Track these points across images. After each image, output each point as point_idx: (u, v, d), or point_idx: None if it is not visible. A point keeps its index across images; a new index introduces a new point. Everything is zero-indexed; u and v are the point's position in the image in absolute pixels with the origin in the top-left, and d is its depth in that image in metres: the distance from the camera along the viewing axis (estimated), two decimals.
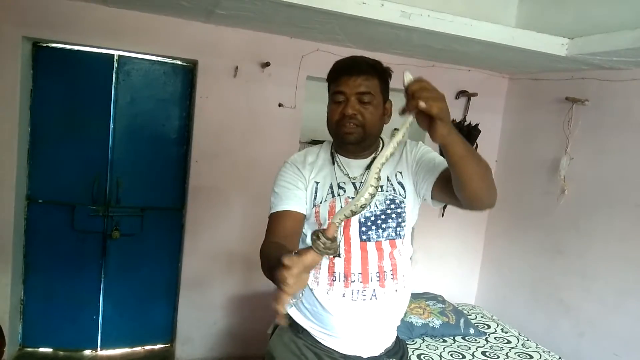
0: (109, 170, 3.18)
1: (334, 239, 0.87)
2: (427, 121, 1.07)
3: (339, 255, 1.42)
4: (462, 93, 3.59)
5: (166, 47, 3.03)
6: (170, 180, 3.32)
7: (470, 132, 3.51)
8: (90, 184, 3.15)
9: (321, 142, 1.59)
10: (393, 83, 1.48)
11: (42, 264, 3.16)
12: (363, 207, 0.97)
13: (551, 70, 3.32)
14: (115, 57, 3.10)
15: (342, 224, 1.33)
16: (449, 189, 1.35)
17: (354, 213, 0.98)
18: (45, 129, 3.06)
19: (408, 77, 1.07)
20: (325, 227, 0.91)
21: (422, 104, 1.01)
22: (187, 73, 3.24)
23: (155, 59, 3.17)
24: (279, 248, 1.17)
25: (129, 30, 2.93)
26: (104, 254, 3.24)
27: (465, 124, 3.55)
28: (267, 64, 3.13)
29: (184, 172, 3.29)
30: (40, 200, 3.11)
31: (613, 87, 2.92)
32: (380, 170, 1.00)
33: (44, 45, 2.98)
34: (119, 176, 3.19)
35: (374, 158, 1.49)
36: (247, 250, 3.29)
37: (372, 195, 0.97)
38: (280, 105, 3.27)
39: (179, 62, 3.21)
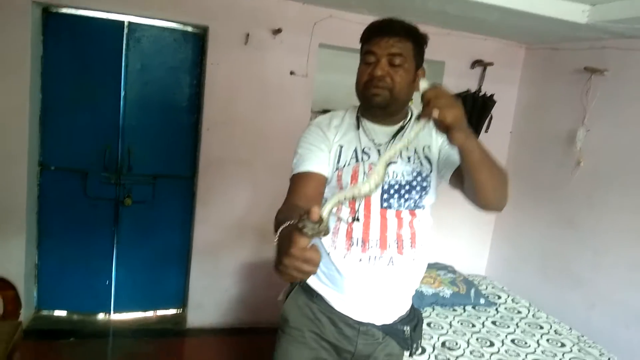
0: (120, 138, 3.18)
1: (320, 221, 0.84)
2: (444, 126, 1.08)
3: (357, 219, 1.41)
4: (477, 62, 3.51)
5: (176, 13, 2.98)
6: (182, 149, 3.32)
7: (485, 103, 3.46)
8: (102, 151, 3.15)
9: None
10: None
11: (56, 230, 3.19)
12: (365, 194, 0.95)
13: (570, 40, 3.23)
14: (126, 24, 3.06)
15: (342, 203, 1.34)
16: (461, 183, 1.35)
17: (354, 199, 0.97)
18: (57, 96, 3.05)
19: (424, 85, 1.08)
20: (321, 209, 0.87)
21: (435, 114, 1.02)
22: (198, 40, 3.19)
23: (166, 26, 3.12)
24: (286, 215, 1.11)
25: None
26: (117, 220, 3.27)
27: (480, 94, 3.49)
28: (279, 31, 3.07)
29: (195, 140, 3.28)
30: (52, 167, 3.12)
31: (634, 56, 2.84)
32: (388, 164, 1.00)
33: (54, 11, 2.94)
34: (130, 144, 3.19)
35: (402, 127, 1.46)
36: (258, 218, 3.30)
37: (377, 186, 0.95)
38: (292, 73, 3.22)
39: (189, 28, 3.16)
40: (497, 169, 1.22)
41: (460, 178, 1.36)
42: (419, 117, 1.07)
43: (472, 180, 1.21)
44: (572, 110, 3.18)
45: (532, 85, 3.65)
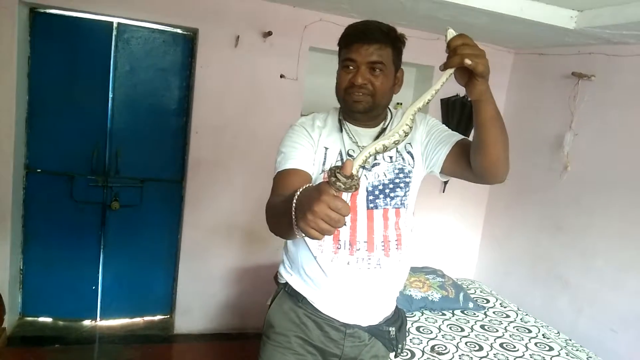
0: (108, 141, 3.15)
1: (352, 176, 0.83)
2: (467, 77, 1.09)
3: (344, 223, 1.40)
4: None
5: (166, 15, 2.96)
6: (170, 152, 3.29)
7: (473, 108, 3.46)
8: (89, 154, 3.12)
9: None
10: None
11: (42, 234, 3.15)
12: (397, 143, 0.94)
13: (558, 45, 3.26)
14: (115, 25, 3.04)
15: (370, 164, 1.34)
16: (462, 160, 1.35)
17: (386, 148, 0.94)
18: (44, 98, 3.01)
19: (451, 33, 1.07)
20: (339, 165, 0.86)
21: (467, 62, 1.02)
22: (188, 42, 3.18)
23: (155, 27, 3.10)
24: (282, 198, 1.08)
25: None
26: (104, 224, 3.23)
27: (469, 99, 3.50)
28: (269, 34, 3.06)
29: (184, 143, 3.26)
30: (38, 170, 3.08)
31: (621, 62, 2.87)
32: (416, 113, 0.99)
33: (42, 11, 2.91)
34: (118, 147, 3.16)
35: (383, 129, 1.46)
36: (247, 222, 3.28)
37: (406, 134, 0.95)
38: (282, 76, 3.21)
39: (179, 30, 3.15)
40: (504, 126, 1.22)
41: (458, 156, 1.36)
42: (445, 67, 1.05)
43: (486, 136, 1.19)
44: (560, 115, 3.20)
45: (520, 90, 3.67)
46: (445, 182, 3.63)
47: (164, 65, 3.18)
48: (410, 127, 0.96)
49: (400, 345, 1.55)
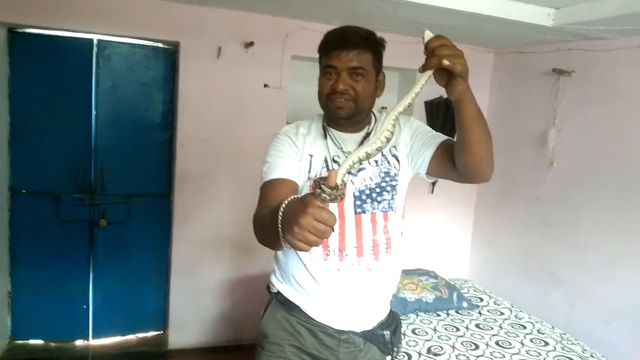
0: (93, 158, 3.12)
1: (337, 187, 0.83)
2: (446, 78, 1.09)
3: (332, 229, 1.40)
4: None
5: (147, 30, 2.95)
6: (156, 166, 3.27)
7: (454, 108, 3.49)
8: (75, 172, 3.09)
9: None
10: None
11: (29, 256, 3.10)
12: (379, 149, 0.94)
13: (537, 43, 3.30)
14: (95, 42, 3.02)
15: (355, 170, 1.33)
16: (447, 160, 1.35)
17: (369, 155, 0.94)
18: (26, 118, 2.98)
19: (428, 35, 1.07)
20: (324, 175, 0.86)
21: (445, 62, 1.02)
22: (169, 56, 3.17)
23: (136, 43, 3.09)
24: (270, 210, 1.09)
25: (107, 12, 2.85)
26: (92, 242, 3.20)
27: (451, 100, 3.52)
28: (251, 44, 3.07)
29: (170, 157, 3.24)
30: (23, 191, 3.05)
31: (599, 57, 2.92)
32: (397, 117, 0.98)
33: (20, 31, 2.89)
34: (103, 163, 3.13)
35: (367, 133, 1.47)
36: (237, 234, 3.26)
37: (388, 140, 0.95)
38: (265, 86, 3.22)
39: (160, 44, 3.14)
40: (486, 125, 1.22)
41: (443, 156, 1.37)
42: (424, 69, 1.06)
43: (469, 136, 1.19)
44: (543, 111, 3.24)
45: (502, 89, 3.71)
46: (434, 184, 3.64)
47: (147, 80, 3.16)
48: (392, 133, 0.96)
49: (395, 349, 1.54)
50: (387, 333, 1.50)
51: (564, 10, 2.63)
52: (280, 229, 0.91)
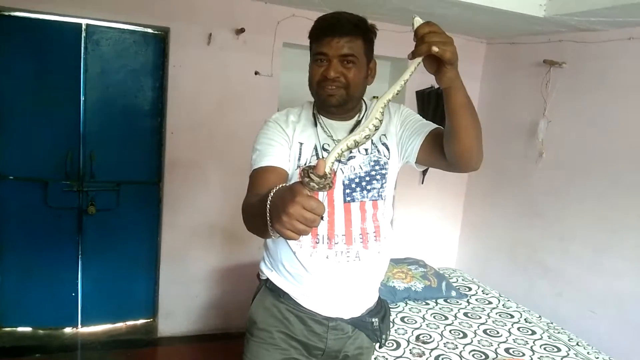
0: (81, 144, 3.09)
1: (325, 176, 0.82)
2: (435, 65, 1.08)
3: (322, 217, 1.40)
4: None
5: (136, 15, 2.91)
6: (146, 153, 3.25)
7: (443, 96, 3.49)
8: (63, 158, 3.06)
9: None
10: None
11: (17, 243, 3.08)
12: (368, 137, 0.93)
13: (528, 34, 3.31)
14: (83, 27, 2.98)
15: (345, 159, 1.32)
16: (436, 149, 1.35)
17: (357, 144, 0.93)
18: (13, 104, 2.94)
19: (418, 21, 1.06)
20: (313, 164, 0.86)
21: (435, 49, 1.01)
22: (159, 42, 3.13)
23: (125, 28, 3.05)
24: (258, 198, 1.06)
25: None
26: (80, 230, 3.17)
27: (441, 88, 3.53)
28: (242, 30, 3.04)
29: (160, 144, 3.22)
30: (11, 177, 3.01)
31: (589, 49, 2.93)
32: (385, 105, 0.97)
33: (7, 14, 2.84)
34: (92, 150, 3.11)
35: (358, 121, 1.46)
36: (227, 222, 3.25)
37: (377, 128, 0.94)
38: (256, 73, 3.19)
39: (150, 30, 3.10)
40: (476, 113, 1.22)
41: (432, 145, 1.37)
42: (413, 56, 1.04)
43: (458, 123, 1.19)
44: (533, 102, 3.25)
45: (493, 79, 3.71)
46: (424, 173, 3.65)
47: (136, 66, 3.13)
48: (381, 121, 0.96)
49: (384, 336, 1.55)
50: (375, 320, 1.51)
51: (556, 1, 2.64)
52: (268, 218, 0.91)
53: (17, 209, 3.05)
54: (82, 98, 3.04)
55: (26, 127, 2.98)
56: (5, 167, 2.99)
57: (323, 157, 1.39)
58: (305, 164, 1.39)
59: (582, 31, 2.92)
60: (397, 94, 0.99)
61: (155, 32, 3.11)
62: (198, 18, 3.00)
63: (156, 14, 2.94)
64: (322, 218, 1.40)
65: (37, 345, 3.08)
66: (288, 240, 1.38)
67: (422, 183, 3.74)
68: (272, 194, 0.92)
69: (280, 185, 0.93)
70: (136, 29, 3.07)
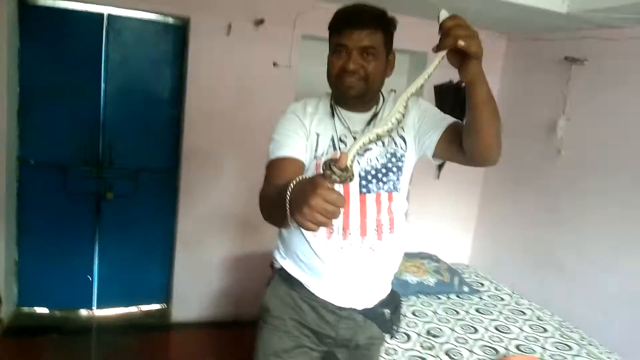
0: (101, 132, 3.14)
1: (347, 169, 0.83)
2: (460, 59, 1.07)
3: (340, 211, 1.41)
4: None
5: (157, 4, 2.94)
6: (164, 142, 3.29)
7: (466, 90, 3.47)
8: (83, 145, 3.11)
9: None
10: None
11: (36, 226, 3.15)
12: (390, 131, 0.93)
13: (550, 30, 3.26)
14: (105, 16, 3.01)
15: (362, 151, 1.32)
16: (454, 143, 1.35)
17: (379, 137, 0.93)
18: (35, 90, 3.00)
19: (444, 14, 1.05)
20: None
21: (460, 43, 1.00)
22: (179, 32, 3.16)
23: (146, 18, 3.08)
24: (276, 188, 1.09)
25: None
26: (98, 215, 3.23)
27: (463, 84, 3.50)
28: (261, 22, 3.05)
29: (178, 133, 3.25)
30: (32, 162, 3.08)
31: (612, 46, 2.88)
32: (409, 99, 0.96)
33: (31, 3, 2.89)
34: (111, 138, 3.15)
35: (375, 113, 1.47)
36: (242, 211, 3.28)
37: (399, 122, 0.94)
38: (275, 64, 3.20)
39: (170, 20, 3.13)
40: (497, 109, 1.21)
41: (451, 138, 1.36)
42: (438, 49, 1.03)
43: (479, 118, 1.19)
44: (553, 99, 3.21)
45: (513, 75, 3.68)
46: (440, 168, 3.64)
47: (156, 56, 3.16)
48: (403, 115, 0.95)
49: (395, 327, 1.56)
50: (387, 311, 1.52)
51: None
52: (288, 209, 0.92)
53: (37, 194, 3.11)
54: (102, 86, 3.08)
55: (48, 113, 3.03)
56: (27, 153, 3.05)
57: (340, 149, 1.40)
58: (322, 155, 1.40)
59: (605, 28, 2.87)
60: (420, 87, 0.99)
61: (176, 22, 3.14)
62: (218, 8, 3.02)
63: (177, 4, 2.96)
64: (341, 211, 1.43)
65: (54, 325, 3.15)
66: (303, 230, 1.40)
67: (438, 178, 3.73)
68: (292, 185, 0.93)
69: (301, 177, 0.95)
70: (157, 19, 3.10)
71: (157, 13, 3.05)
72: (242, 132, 3.22)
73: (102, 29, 3.02)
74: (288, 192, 0.92)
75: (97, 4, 2.92)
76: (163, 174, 3.32)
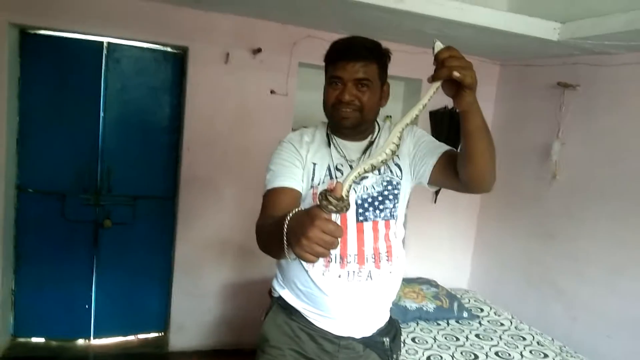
0: (99, 159, 3.15)
1: (342, 198, 0.84)
2: (454, 89, 1.10)
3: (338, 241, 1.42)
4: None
5: (156, 34, 2.99)
6: (162, 169, 3.30)
7: (460, 118, 3.51)
8: (81, 172, 3.12)
9: None
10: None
11: (34, 254, 3.13)
12: (384, 161, 0.95)
13: (543, 56, 3.32)
14: (105, 44, 3.06)
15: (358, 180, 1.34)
16: (449, 170, 1.37)
17: (374, 168, 0.95)
18: (35, 118, 3.02)
19: (438, 46, 1.08)
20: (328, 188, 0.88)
21: (455, 74, 1.03)
22: (178, 60, 3.21)
23: (146, 46, 3.13)
24: (273, 220, 1.11)
25: (118, 16, 2.89)
26: (96, 243, 3.22)
27: (457, 110, 3.54)
28: (259, 50, 3.10)
29: (176, 160, 3.27)
30: (30, 190, 3.08)
31: (604, 72, 2.93)
32: (403, 129, 0.98)
33: (31, 32, 2.93)
34: (110, 165, 3.17)
35: (371, 142, 1.49)
36: (240, 238, 3.28)
37: (394, 152, 0.96)
38: (272, 92, 3.24)
39: (169, 48, 3.18)
40: (491, 137, 1.24)
41: (445, 166, 1.38)
42: (433, 80, 1.06)
43: (473, 146, 1.21)
44: (547, 124, 3.25)
45: (507, 101, 3.73)
46: (437, 193, 3.66)
47: (155, 84, 3.20)
48: (398, 145, 0.97)
49: (394, 356, 1.55)
50: (386, 340, 1.52)
51: (570, 24, 2.65)
52: (285, 241, 0.93)
53: (35, 221, 3.11)
54: (101, 114, 3.11)
55: (46, 141, 3.06)
56: (25, 180, 3.06)
57: (336, 177, 1.42)
58: (318, 184, 1.42)
59: (597, 54, 2.93)
60: (415, 117, 1.02)
61: (175, 50, 3.19)
62: (216, 38, 3.07)
63: (175, 34, 3.01)
64: (339, 241, 1.43)
65: (50, 356, 3.11)
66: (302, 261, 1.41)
67: (435, 202, 3.74)
68: (289, 217, 0.94)
69: (297, 209, 0.95)
70: (156, 48, 3.15)
71: (156, 43, 3.10)
72: (240, 159, 3.24)
73: (102, 57, 3.07)
74: (285, 224, 0.93)
75: (97, 34, 2.97)
76: (161, 200, 3.33)
